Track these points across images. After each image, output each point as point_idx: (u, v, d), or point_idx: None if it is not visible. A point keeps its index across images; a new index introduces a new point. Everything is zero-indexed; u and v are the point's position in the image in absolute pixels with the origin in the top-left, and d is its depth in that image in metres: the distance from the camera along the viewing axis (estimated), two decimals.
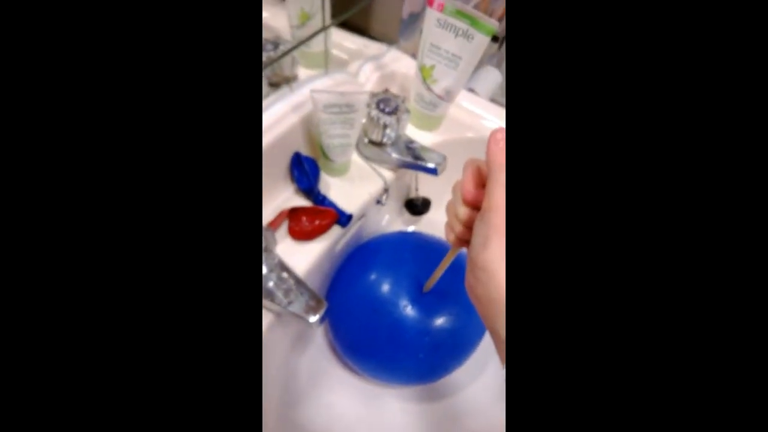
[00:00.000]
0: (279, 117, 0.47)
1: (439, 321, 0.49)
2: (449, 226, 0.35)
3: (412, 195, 0.67)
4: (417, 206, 0.66)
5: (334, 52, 0.58)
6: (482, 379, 0.59)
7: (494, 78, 0.79)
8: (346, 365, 0.58)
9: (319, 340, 0.60)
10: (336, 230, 0.50)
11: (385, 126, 0.51)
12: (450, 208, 0.35)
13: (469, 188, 0.31)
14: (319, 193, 0.50)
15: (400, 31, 0.66)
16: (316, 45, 0.55)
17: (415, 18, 0.68)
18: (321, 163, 0.52)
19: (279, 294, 0.41)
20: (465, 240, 0.34)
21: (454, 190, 0.34)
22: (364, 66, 0.60)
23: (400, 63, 0.64)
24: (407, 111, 0.52)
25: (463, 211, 0.32)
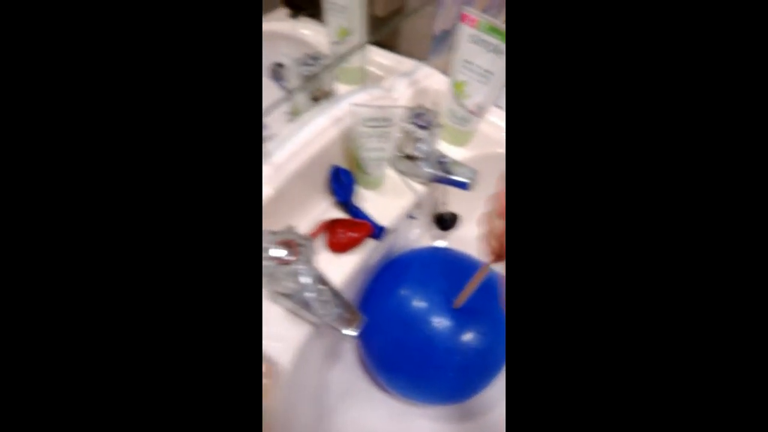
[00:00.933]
0: (320, 131, 0.48)
1: (470, 339, 0.48)
2: (485, 239, 0.35)
3: (441, 210, 0.67)
4: (446, 221, 0.66)
5: (369, 68, 0.59)
6: None
7: None
8: (375, 381, 0.58)
9: (349, 355, 0.60)
10: (370, 243, 0.50)
11: (418, 140, 0.51)
12: (485, 221, 0.35)
13: (505, 201, 0.30)
14: (354, 205, 0.51)
15: (431, 47, 0.67)
16: (353, 61, 0.56)
17: (447, 35, 0.69)
18: (356, 176, 0.52)
19: (316, 305, 0.41)
20: (501, 254, 0.34)
21: (489, 202, 0.34)
22: (397, 82, 0.61)
23: (432, 79, 0.64)
24: (440, 126, 0.53)
25: (499, 224, 0.32)
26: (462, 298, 0.47)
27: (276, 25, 0.57)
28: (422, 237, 0.69)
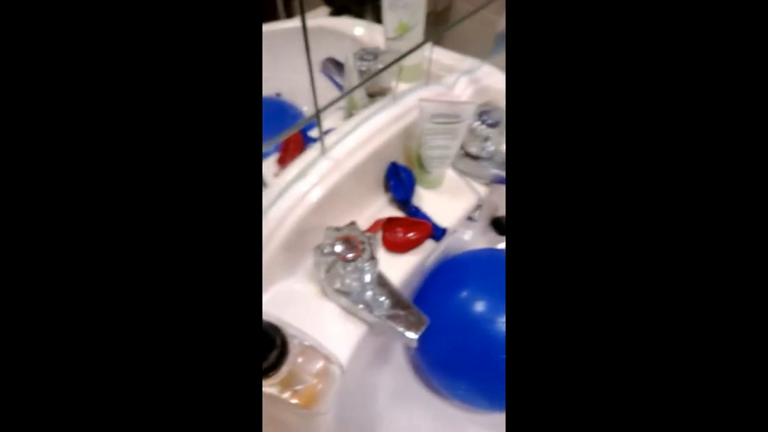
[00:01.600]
0: (379, 127, 0.47)
1: None
2: None
3: (500, 214, 0.64)
4: (504, 226, 0.63)
5: (429, 66, 0.58)
6: None
7: None
8: (428, 385, 0.55)
9: (398, 357, 0.58)
10: (428, 244, 0.48)
11: (486, 139, 0.49)
12: None
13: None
14: (413, 205, 0.49)
15: (494, 45, 0.65)
16: (412, 58, 0.55)
17: None
18: (417, 175, 0.51)
19: (376, 305, 0.40)
20: None
21: None
22: (459, 80, 0.59)
23: (493, 78, 0.62)
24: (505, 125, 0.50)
25: None
26: None
27: (322, 21, 0.56)
28: (477, 241, 0.66)
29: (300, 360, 0.32)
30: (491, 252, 0.57)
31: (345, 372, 0.40)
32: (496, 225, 0.63)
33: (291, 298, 0.42)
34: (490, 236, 0.66)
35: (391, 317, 0.39)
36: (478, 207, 0.53)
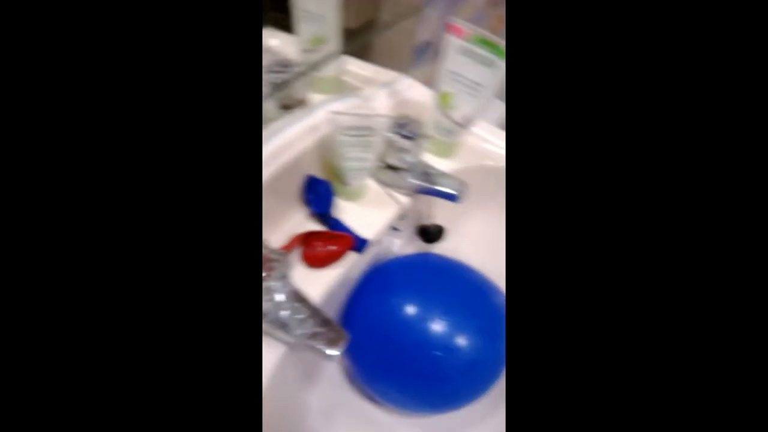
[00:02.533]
0: (292, 139, 0.45)
1: (465, 344, 0.46)
2: None
3: (426, 222, 0.65)
4: (431, 234, 0.63)
5: (346, 78, 0.58)
6: None
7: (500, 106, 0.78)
8: (364, 394, 0.55)
9: (330, 371, 0.56)
10: (351, 257, 0.47)
11: (402, 150, 0.49)
12: None
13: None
14: (333, 217, 0.48)
15: (413, 58, 0.66)
16: (328, 70, 0.54)
17: (428, 46, 0.68)
18: (335, 186, 0.50)
19: (293, 324, 0.38)
20: None
21: None
22: (376, 92, 0.59)
23: (413, 91, 0.63)
24: (425, 136, 0.51)
25: None
26: None
27: None
28: (406, 249, 0.66)
29: None
30: (417, 256, 0.57)
31: (268, 397, 0.37)
32: (424, 234, 0.64)
33: None
34: (417, 244, 0.66)
35: (310, 336, 0.37)
36: (402, 217, 0.53)
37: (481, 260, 0.58)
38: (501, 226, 0.62)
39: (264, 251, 0.37)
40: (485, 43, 0.47)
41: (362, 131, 0.44)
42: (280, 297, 0.37)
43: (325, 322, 0.38)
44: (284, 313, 0.38)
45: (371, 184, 0.54)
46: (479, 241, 0.64)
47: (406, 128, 0.49)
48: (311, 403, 0.52)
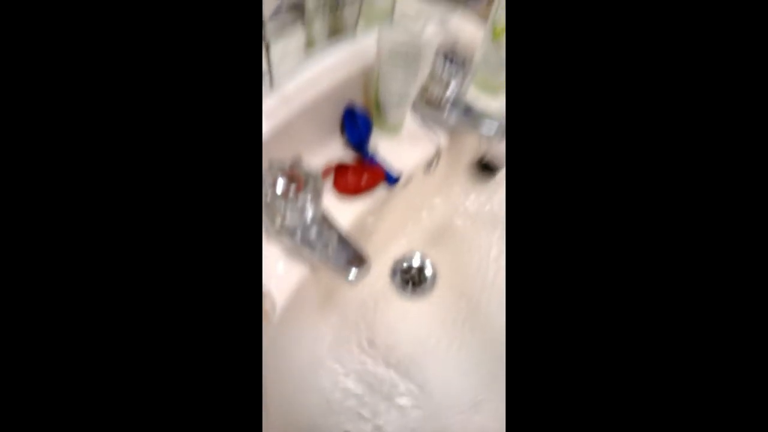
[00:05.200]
0: (337, 64, 0.45)
1: None
2: None
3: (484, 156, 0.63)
4: (491, 167, 0.62)
5: (400, 14, 0.55)
6: None
7: None
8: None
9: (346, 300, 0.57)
10: (381, 190, 0.47)
11: (449, 82, 0.47)
12: None
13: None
14: (368, 150, 0.48)
15: None
16: (382, 2, 0.52)
17: None
18: (375, 120, 0.49)
19: (320, 244, 0.39)
20: None
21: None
22: (428, 25, 0.56)
23: (465, 27, 0.60)
24: (472, 69, 0.48)
25: None
26: None
27: None
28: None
29: None
30: None
31: (287, 313, 0.40)
32: (484, 167, 0.63)
33: None
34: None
35: (335, 256, 0.39)
36: (437, 157, 0.52)
37: None
38: None
39: (297, 169, 0.38)
40: None
41: (408, 53, 0.42)
42: (309, 214, 0.38)
43: (349, 246, 0.40)
44: (311, 232, 0.39)
45: (410, 121, 0.53)
46: None
47: (453, 58, 0.47)
48: (324, 332, 0.54)
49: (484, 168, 0.63)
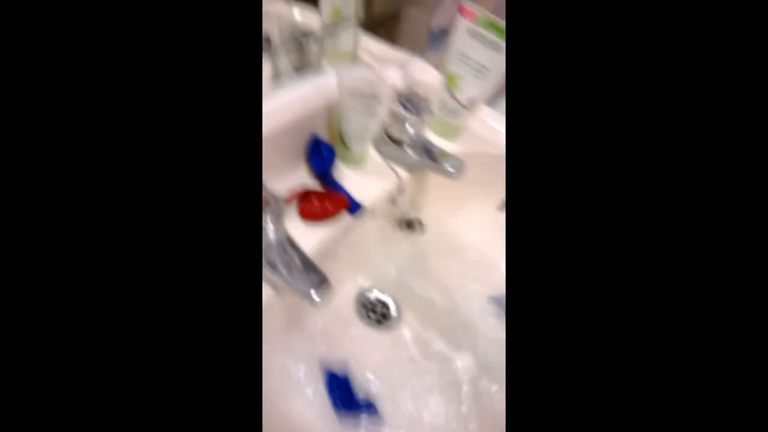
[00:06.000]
0: (303, 97, 0.47)
1: None
2: None
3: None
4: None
5: (363, 56, 0.60)
6: None
7: None
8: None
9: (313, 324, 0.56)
10: (344, 218, 0.48)
11: (406, 124, 0.51)
12: None
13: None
14: (333, 179, 0.49)
15: (427, 44, 0.68)
16: (345, 44, 0.56)
17: (444, 33, 0.70)
18: (338, 152, 0.52)
19: (282, 266, 0.39)
20: None
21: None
22: (389, 70, 0.61)
23: (425, 74, 0.64)
24: (430, 112, 0.52)
25: None
26: None
27: (269, 5, 0.57)
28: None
29: None
30: None
31: None
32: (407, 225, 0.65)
33: None
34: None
35: (298, 279, 0.39)
36: (400, 191, 0.55)
37: (480, 247, 0.59)
38: (500, 214, 0.64)
39: (263, 192, 0.38)
40: (493, 26, 0.49)
41: (368, 96, 0.45)
42: (272, 236, 0.39)
43: (312, 269, 0.40)
44: (275, 254, 0.40)
45: (373, 155, 0.55)
46: (478, 228, 0.65)
47: (411, 102, 0.51)
48: (293, 349, 0.53)
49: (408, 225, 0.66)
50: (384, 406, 0.52)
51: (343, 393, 0.49)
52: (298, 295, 0.39)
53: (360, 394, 0.49)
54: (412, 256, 0.64)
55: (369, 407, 0.49)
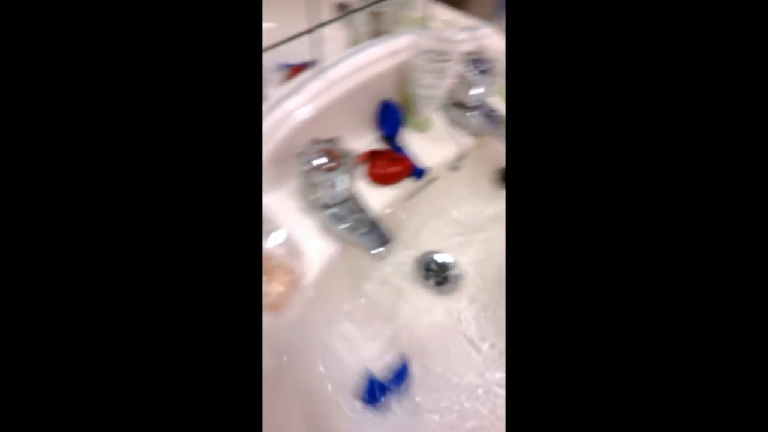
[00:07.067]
0: (375, 58, 0.48)
1: None
2: None
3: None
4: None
5: (433, 24, 0.60)
6: None
7: None
8: None
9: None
10: (408, 181, 0.50)
11: (473, 86, 0.51)
12: None
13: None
14: (398, 142, 0.51)
15: (496, 10, 0.66)
16: (417, 11, 0.57)
17: None
18: (405, 116, 0.53)
19: (350, 220, 0.41)
20: None
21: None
22: (457, 34, 0.60)
23: (491, 40, 0.63)
24: (497, 75, 0.52)
25: None
26: None
27: None
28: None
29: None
30: None
31: (316, 286, 0.42)
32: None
33: (276, 212, 0.44)
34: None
35: (362, 232, 0.41)
36: (462, 157, 0.55)
37: None
38: None
39: (334, 147, 0.41)
40: None
41: (438, 56, 0.46)
42: (341, 189, 0.41)
43: (376, 225, 0.42)
44: (342, 208, 0.42)
45: (439, 122, 0.56)
46: None
47: (479, 64, 0.51)
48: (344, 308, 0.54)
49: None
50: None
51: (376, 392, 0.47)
52: (362, 249, 0.41)
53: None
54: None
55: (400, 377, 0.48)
